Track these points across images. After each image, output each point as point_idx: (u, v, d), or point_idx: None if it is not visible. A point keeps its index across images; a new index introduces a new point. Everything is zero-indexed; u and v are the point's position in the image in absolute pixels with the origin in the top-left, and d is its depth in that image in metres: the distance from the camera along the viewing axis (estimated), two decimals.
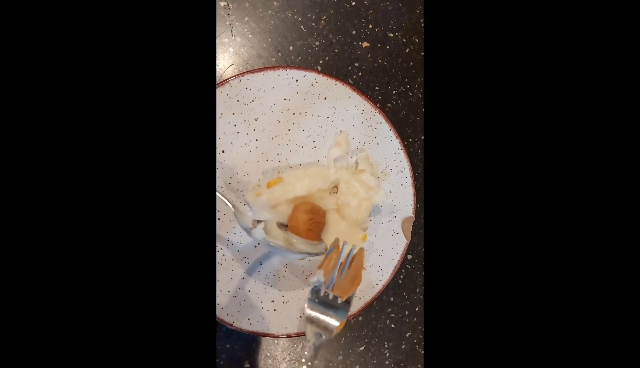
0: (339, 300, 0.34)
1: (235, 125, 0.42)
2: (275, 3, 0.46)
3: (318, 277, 0.34)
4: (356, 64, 0.47)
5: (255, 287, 0.42)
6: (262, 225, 0.38)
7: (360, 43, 0.48)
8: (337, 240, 0.38)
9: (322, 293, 0.34)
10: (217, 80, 0.43)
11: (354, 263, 0.36)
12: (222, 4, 0.44)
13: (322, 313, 0.34)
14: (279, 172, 0.43)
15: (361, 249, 0.37)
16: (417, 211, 0.46)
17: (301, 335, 0.42)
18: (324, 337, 0.33)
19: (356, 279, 0.35)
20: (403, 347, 0.48)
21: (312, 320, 0.34)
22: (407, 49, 0.49)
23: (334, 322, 0.34)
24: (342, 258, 0.36)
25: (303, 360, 0.35)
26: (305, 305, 0.35)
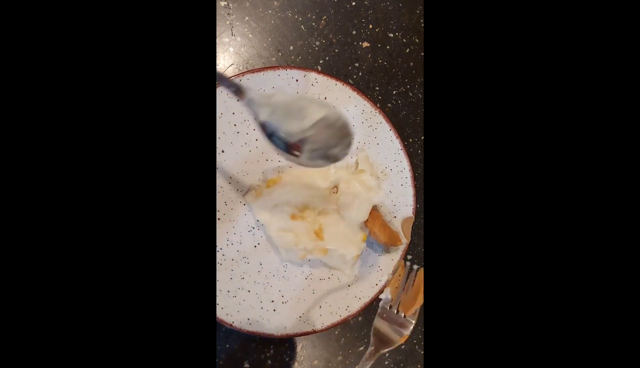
0: (404, 315, 0.40)
1: (235, 125, 0.42)
2: (275, 3, 0.46)
3: (386, 294, 0.41)
4: (356, 64, 0.47)
5: (255, 287, 0.42)
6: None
7: (360, 43, 0.48)
8: (401, 262, 0.42)
9: (389, 309, 0.40)
10: (217, 79, 0.43)
11: (416, 282, 0.41)
12: (223, 3, 0.44)
13: (389, 325, 0.39)
14: (279, 172, 0.43)
15: (421, 269, 0.42)
16: (417, 211, 0.46)
17: (300, 335, 0.42)
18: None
19: (418, 296, 0.40)
20: (403, 347, 0.48)
21: (379, 331, 0.40)
22: (407, 49, 0.49)
23: (398, 334, 0.40)
24: (407, 278, 0.42)
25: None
26: (375, 319, 0.40)
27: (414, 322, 0.39)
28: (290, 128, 0.31)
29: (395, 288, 0.41)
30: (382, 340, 0.39)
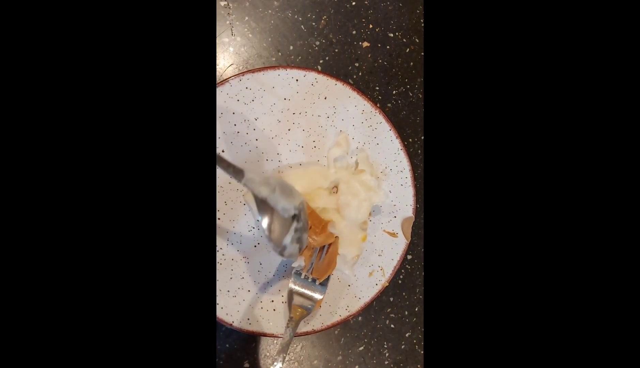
0: (317, 282, 0.41)
1: (235, 125, 0.41)
2: (275, 2, 0.46)
3: (299, 262, 0.41)
4: (356, 64, 0.47)
5: (255, 287, 0.42)
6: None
7: (360, 43, 0.48)
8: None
9: (302, 276, 0.41)
10: (217, 79, 0.43)
11: (330, 250, 0.42)
12: (222, 3, 0.44)
13: (304, 289, 0.40)
14: (279, 172, 0.43)
15: (336, 238, 0.42)
16: (417, 211, 0.46)
17: (300, 335, 0.42)
18: (303, 313, 0.40)
19: (332, 263, 0.41)
20: (402, 347, 0.48)
21: (295, 294, 0.40)
22: (407, 49, 0.49)
23: (314, 296, 0.40)
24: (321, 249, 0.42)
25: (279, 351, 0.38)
26: (289, 283, 0.40)
27: (326, 288, 0.41)
28: (286, 205, 0.34)
29: (309, 257, 0.42)
30: (300, 301, 0.40)
